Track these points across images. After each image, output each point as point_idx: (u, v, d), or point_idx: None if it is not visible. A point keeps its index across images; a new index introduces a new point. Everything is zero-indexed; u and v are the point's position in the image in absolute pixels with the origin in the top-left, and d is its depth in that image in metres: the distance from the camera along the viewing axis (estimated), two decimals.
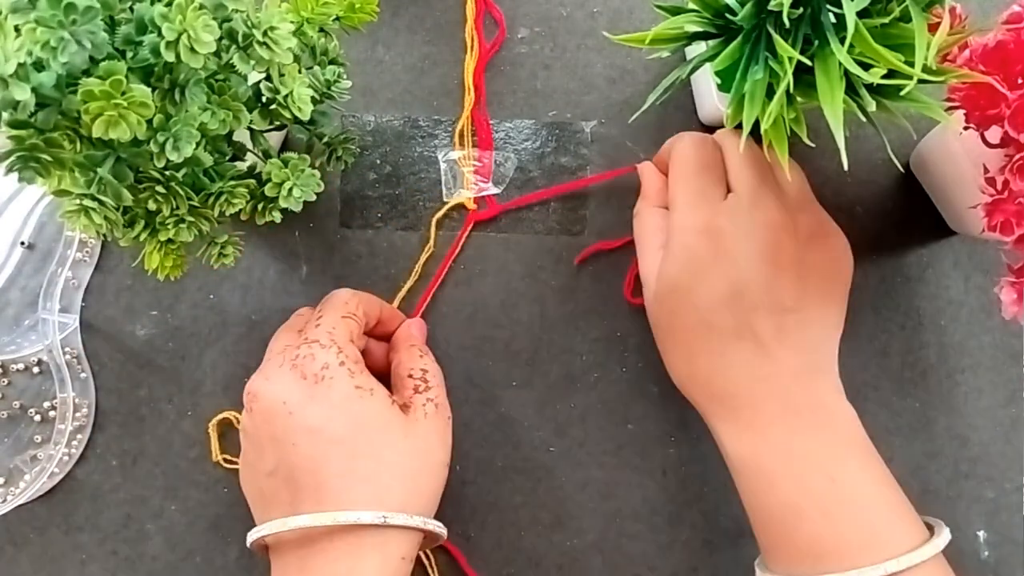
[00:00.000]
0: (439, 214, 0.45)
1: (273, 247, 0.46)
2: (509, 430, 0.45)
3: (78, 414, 0.44)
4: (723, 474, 0.43)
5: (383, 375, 0.40)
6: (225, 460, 0.44)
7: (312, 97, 0.33)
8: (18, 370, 0.45)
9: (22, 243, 0.45)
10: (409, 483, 0.36)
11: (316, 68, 0.35)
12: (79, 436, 0.44)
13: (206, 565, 0.44)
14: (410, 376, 0.39)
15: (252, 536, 0.36)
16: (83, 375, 0.44)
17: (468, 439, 0.45)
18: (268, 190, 0.34)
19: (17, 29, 0.25)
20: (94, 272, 0.45)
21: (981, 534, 0.45)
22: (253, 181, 0.34)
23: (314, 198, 0.34)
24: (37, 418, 0.45)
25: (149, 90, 0.27)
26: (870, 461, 0.36)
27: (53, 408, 0.44)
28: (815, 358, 0.37)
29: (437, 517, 0.37)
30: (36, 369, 0.45)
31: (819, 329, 0.38)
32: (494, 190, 0.46)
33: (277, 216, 0.35)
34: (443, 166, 0.46)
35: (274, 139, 0.43)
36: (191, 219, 0.32)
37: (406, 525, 0.34)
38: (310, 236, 0.46)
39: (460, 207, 0.46)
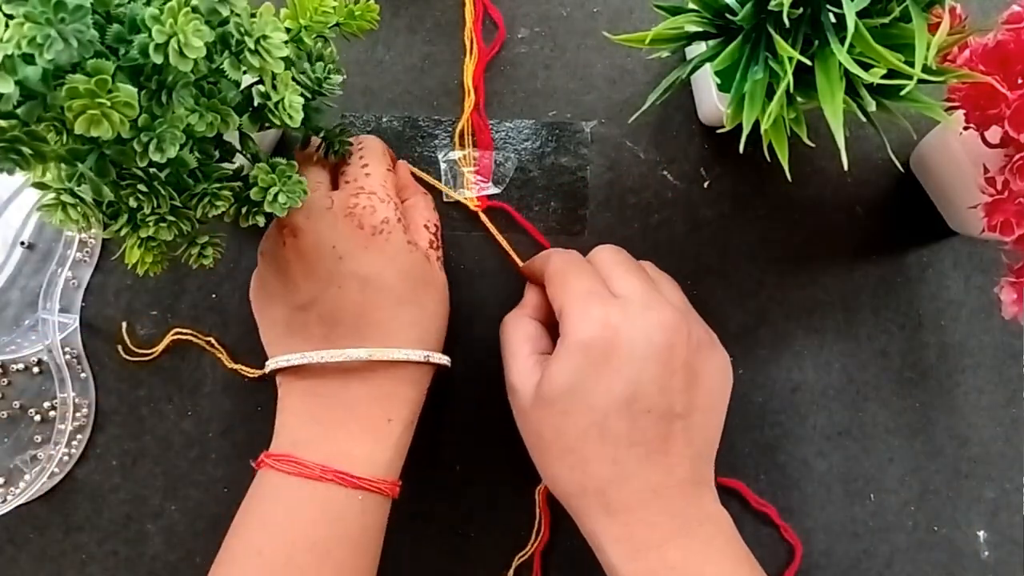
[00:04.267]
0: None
1: None
2: (509, 430, 0.45)
3: (78, 414, 0.44)
4: (719, 471, 0.43)
5: None
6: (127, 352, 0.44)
7: (303, 95, 0.33)
8: (18, 370, 0.45)
9: (22, 243, 0.45)
10: (437, 327, 0.40)
11: (307, 66, 0.35)
12: (79, 436, 0.44)
13: (206, 565, 0.44)
14: (426, 227, 0.41)
15: (294, 360, 0.37)
16: (83, 375, 0.44)
17: (468, 438, 0.45)
18: (254, 194, 0.34)
19: (9, 19, 0.25)
20: (94, 272, 0.45)
21: (981, 534, 0.45)
22: (239, 184, 0.34)
23: (300, 205, 0.34)
24: (37, 418, 0.45)
25: (135, 90, 0.27)
26: (756, 571, 0.36)
27: (53, 408, 0.44)
28: (699, 469, 0.36)
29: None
30: (36, 369, 0.45)
31: (702, 439, 0.36)
32: (494, 190, 0.46)
33: (260, 220, 0.35)
34: (443, 166, 0.46)
35: (270, 136, 0.43)
36: (172, 219, 0.32)
37: (439, 363, 0.39)
38: None
39: (463, 208, 0.46)
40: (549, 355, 0.37)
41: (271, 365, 0.39)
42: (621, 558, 0.35)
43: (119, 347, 0.44)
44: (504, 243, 0.45)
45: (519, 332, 0.40)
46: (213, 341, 0.45)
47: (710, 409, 0.37)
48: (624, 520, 0.35)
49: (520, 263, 0.45)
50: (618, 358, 0.35)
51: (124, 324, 0.45)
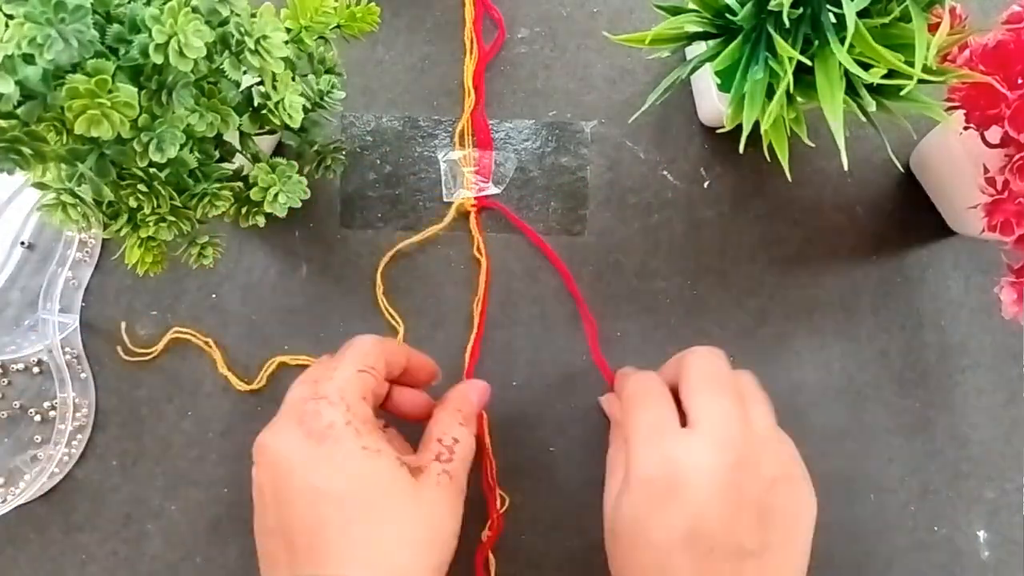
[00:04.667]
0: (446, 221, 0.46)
1: (273, 247, 0.46)
2: (509, 430, 0.45)
3: (78, 414, 0.44)
4: None
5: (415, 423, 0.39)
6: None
7: (304, 106, 0.33)
8: (18, 370, 0.45)
9: (22, 243, 0.45)
10: (413, 551, 0.34)
11: (311, 77, 0.35)
12: (79, 436, 0.44)
13: (206, 565, 0.44)
14: (439, 440, 0.37)
15: None
16: (83, 375, 0.44)
17: None
18: (254, 194, 0.34)
19: (9, 19, 0.25)
20: (94, 272, 0.45)
21: (981, 534, 0.45)
22: (239, 184, 0.34)
23: (299, 204, 0.34)
24: (37, 418, 0.45)
25: (135, 90, 0.27)
26: None
27: (53, 408, 0.44)
28: None
29: None
30: (36, 369, 0.45)
31: None
32: (494, 190, 0.46)
33: (261, 220, 0.35)
34: (443, 166, 0.46)
35: (267, 142, 0.43)
36: (172, 219, 0.32)
37: None
38: (310, 236, 0.46)
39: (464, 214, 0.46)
40: None
41: None
42: None
43: (119, 347, 0.44)
44: (479, 248, 0.45)
45: (619, 456, 0.37)
46: (212, 343, 0.45)
47: (789, 545, 0.34)
48: None
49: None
50: (680, 495, 0.33)
51: (123, 324, 0.45)
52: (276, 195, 0.34)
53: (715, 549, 0.33)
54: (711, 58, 0.35)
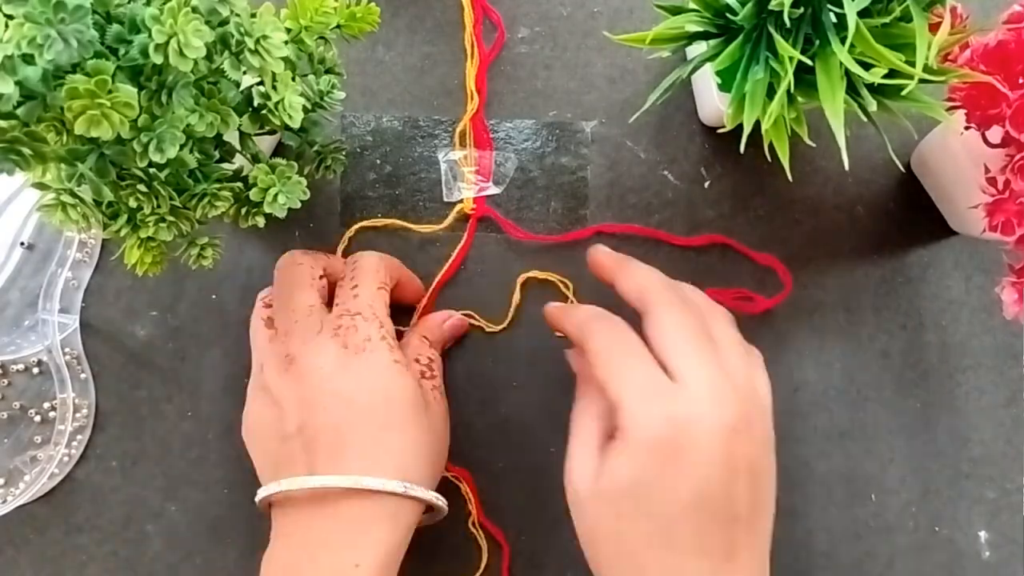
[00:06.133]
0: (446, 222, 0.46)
1: (273, 247, 0.46)
2: (509, 430, 0.45)
3: (78, 415, 0.44)
4: None
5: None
6: None
7: (304, 106, 0.33)
8: (18, 370, 0.45)
9: (22, 243, 0.45)
10: (426, 458, 0.37)
11: (311, 77, 0.35)
12: (79, 437, 0.44)
13: (206, 565, 0.44)
14: (416, 361, 0.40)
15: (269, 491, 0.36)
16: (83, 376, 0.44)
17: (468, 439, 0.45)
18: (253, 195, 0.34)
19: (9, 19, 0.25)
20: (94, 272, 0.45)
21: (982, 534, 0.45)
22: (239, 184, 0.34)
23: (299, 205, 0.34)
24: (37, 419, 0.45)
25: (135, 90, 0.27)
26: None
27: (53, 409, 0.44)
28: (763, 573, 0.34)
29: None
30: (36, 370, 0.45)
31: (762, 541, 0.34)
32: (494, 190, 0.46)
33: (260, 221, 0.35)
34: (443, 166, 0.46)
35: (267, 143, 0.43)
36: (172, 219, 0.32)
37: (421, 497, 0.36)
38: (310, 236, 0.46)
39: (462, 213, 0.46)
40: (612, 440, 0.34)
41: (257, 500, 0.37)
42: None
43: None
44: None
45: (592, 409, 0.36)
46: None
47: (768, 507, 0.35)
48: None
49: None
50: (684, 460, 0.32)
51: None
52: (276, 195, 0.34)
53: (716, 514, 0.32)
54: (711, 58, 0.35)
